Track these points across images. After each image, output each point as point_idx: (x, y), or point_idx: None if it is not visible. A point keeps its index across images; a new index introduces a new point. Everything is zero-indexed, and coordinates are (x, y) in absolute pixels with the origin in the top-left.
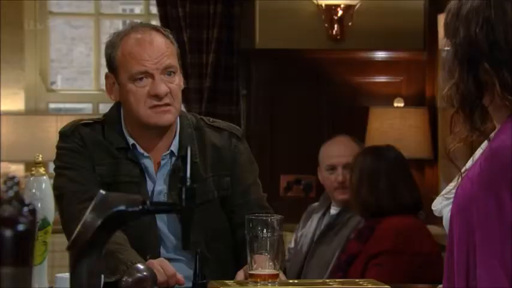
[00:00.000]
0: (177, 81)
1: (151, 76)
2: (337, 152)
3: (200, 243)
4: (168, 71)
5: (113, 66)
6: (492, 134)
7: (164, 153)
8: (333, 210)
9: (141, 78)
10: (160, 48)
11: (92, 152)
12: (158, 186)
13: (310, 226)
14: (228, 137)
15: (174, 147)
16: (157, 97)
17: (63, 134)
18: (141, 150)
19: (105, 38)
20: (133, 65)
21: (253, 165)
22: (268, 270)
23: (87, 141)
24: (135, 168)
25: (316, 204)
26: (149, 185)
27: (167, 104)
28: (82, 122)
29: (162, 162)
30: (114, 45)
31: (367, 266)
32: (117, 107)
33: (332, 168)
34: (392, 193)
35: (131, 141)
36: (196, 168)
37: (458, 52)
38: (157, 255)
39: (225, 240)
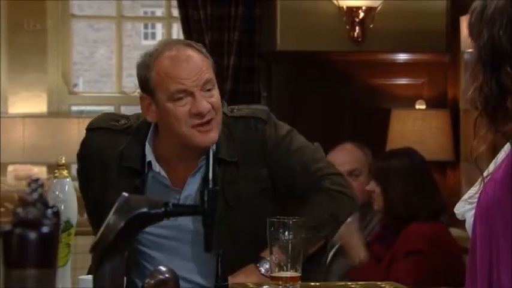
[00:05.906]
0: (216, 95)
1: (192, 94)
2: (340, 159)
3: (228, 245)
4: (207, 87)
5: (148, 87)
6: None
7: (201, 158)
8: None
9: (180, 98)
10: (198, 65)
11: (104, 174)
12: (186, 192)
13: None
14: (254, 124)
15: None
16: (200, 115)
17: (78, 154)
18: (157, 169)
19: (127, 41)
20: (172, 84)
21: (284, 140)
22: (290, 273)
23: (99, 162)
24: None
25: None
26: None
27: (210, 121)
28: (96, 127)
29: (200, 164)
30: (147, 66)
31: (392, 268)
32: (147, 123)
33: None
34: (418, 198)
35: (150, 158)
36: (233, 168)
37: (481, 54)
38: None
39: (254, 241)
